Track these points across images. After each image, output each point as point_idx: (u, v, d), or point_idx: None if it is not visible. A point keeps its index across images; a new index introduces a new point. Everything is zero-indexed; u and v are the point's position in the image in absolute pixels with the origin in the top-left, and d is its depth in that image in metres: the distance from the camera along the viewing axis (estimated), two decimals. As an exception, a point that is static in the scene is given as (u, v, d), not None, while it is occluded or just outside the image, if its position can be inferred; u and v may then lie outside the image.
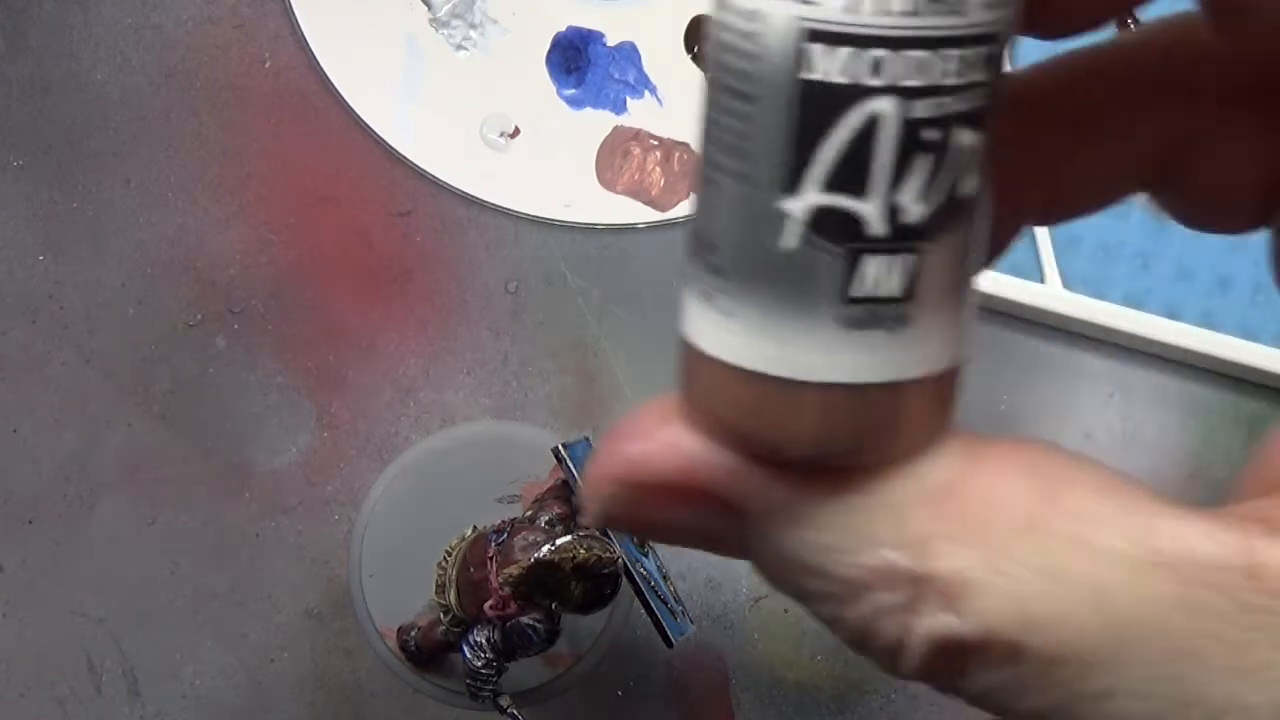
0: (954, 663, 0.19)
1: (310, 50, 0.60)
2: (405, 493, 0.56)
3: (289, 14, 0.60)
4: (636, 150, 0.59)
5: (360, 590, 0.55)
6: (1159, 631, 0.18)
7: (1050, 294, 0.56)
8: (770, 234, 0.20)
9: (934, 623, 0.19)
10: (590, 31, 0.61)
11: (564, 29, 0.60)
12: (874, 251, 0.19)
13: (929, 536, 0.19)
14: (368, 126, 0.59)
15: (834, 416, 0.20)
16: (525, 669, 0.53)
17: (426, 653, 0.54)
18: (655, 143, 0.60)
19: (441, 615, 0.53)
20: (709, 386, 0.21)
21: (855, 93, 0.19)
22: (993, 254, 0.25)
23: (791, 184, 0.19)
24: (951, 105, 0.19)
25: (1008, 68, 0.19)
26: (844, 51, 0.19)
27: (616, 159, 0.59)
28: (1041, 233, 0.56)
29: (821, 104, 0.19)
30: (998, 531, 0.19)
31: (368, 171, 0.59)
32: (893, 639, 0.19)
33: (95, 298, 0.57)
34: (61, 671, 0.55)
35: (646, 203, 0.59)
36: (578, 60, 0.60)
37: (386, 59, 0.60)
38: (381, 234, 0.59)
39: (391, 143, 0.59)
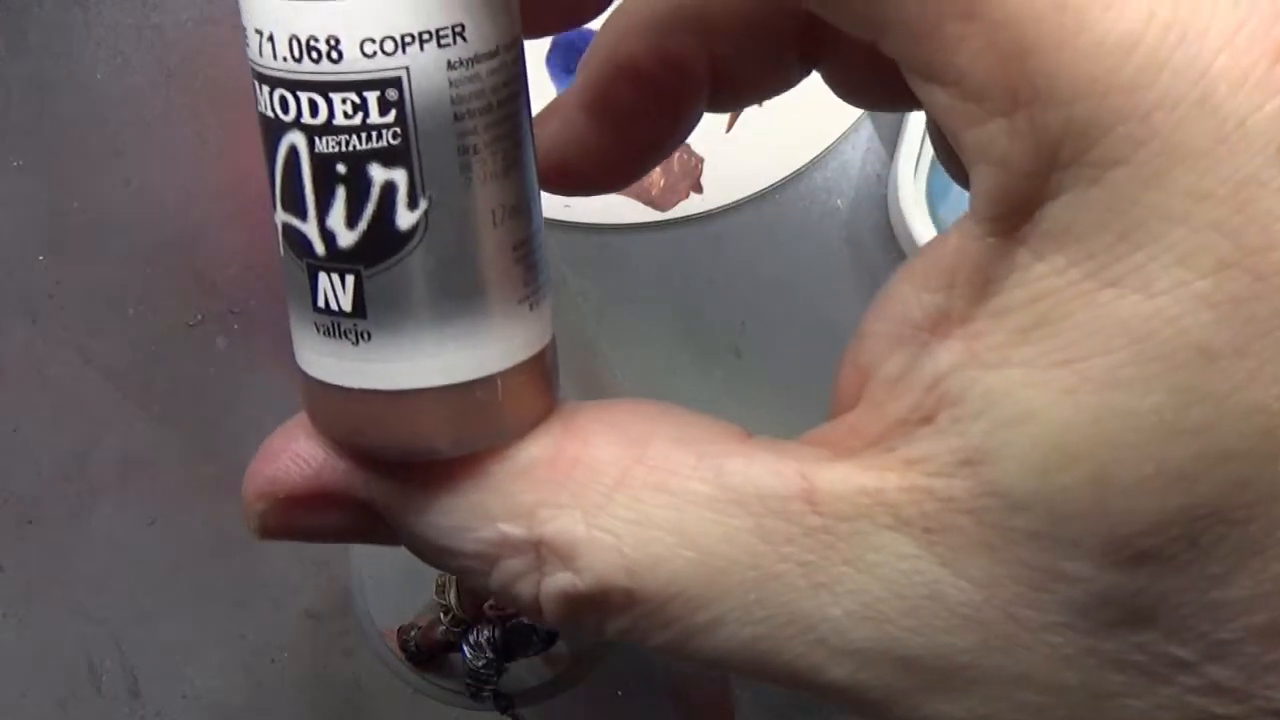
0: (585, 613, 0.21)
1: (310, 50, 0.60)
2: (405, 493, 0.56)
3: (289, 14, 0.60)
4: (636, 150, 0.60)
5: (360, 590, 0.55)
6: (746, 562, 0.20)
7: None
8: (279, 248, 0.22)
9: (557, 581, 0.21)
10: (590, 32, 0.61)
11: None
12: (323, 269, 0.21)
13: (535, 505, 0.21)
14: (368, 126, 0.59)
15: (389, 418, 0.21)
16: (525, 669, 0.54)
17: (426, 653, 0.54)
18: (655, 143, 0.60)
19: (441, 615, 0.53)
20: (307, 397, 0.23)
21: (280, 126, 0.21)
22: (672, 144, 0.27)
23: (273, 202, 0.21)
24: (355, 143, 0.20)
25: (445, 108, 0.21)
26: (266, 89, 0.21)
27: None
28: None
29: (269, 135, 0.21)
30: (592, 491, 0.21)
31: (368, 171, 0.59)
32: (531, 598, 0.21)
33: (95, 298, 0.57)
34: (61, 671, 0.55)
35: (646, 203, 0.59)
36: (578, 61, 0.60)
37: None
38: (381, 234, 0.58)
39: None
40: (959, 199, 0.57)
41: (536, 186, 0.22)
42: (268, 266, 0.58)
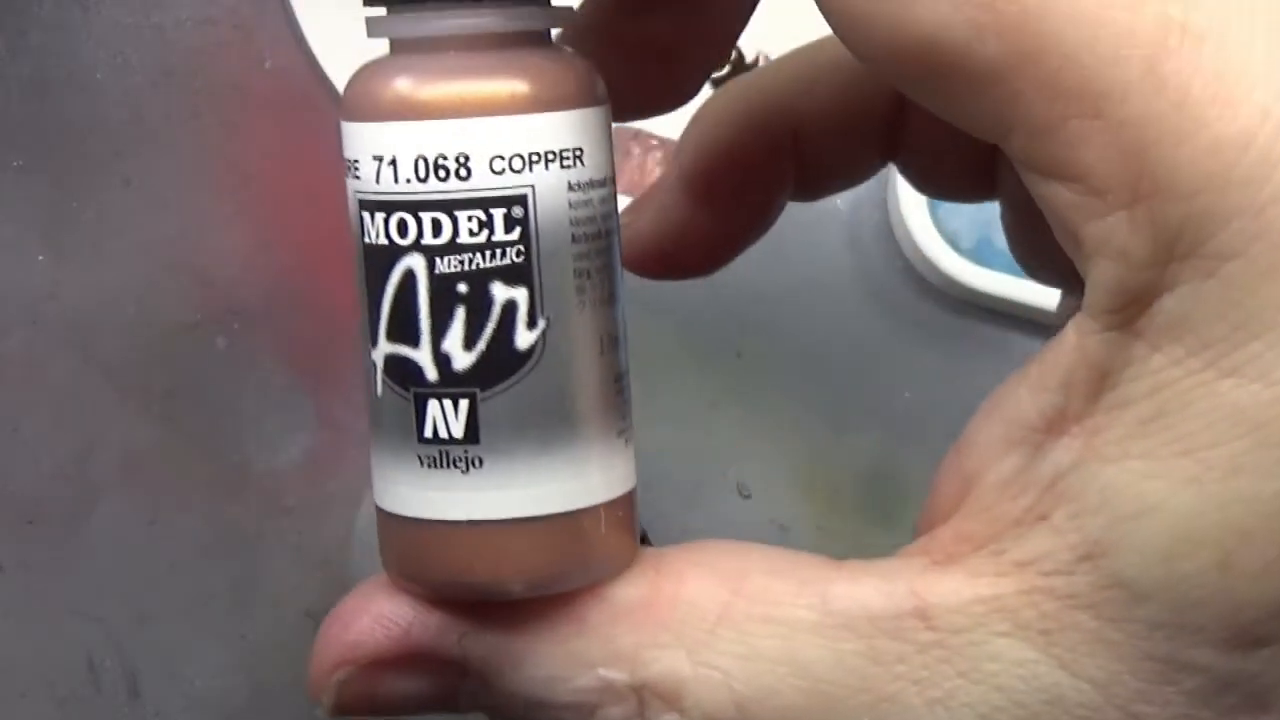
0: None
1: (310, 50, 0.60)
2: (405, 493, 0.56)
3: (289, 14, 0.60)
4: (636, 150, 0.59)
5: (360, 590, 0.55)
6: (858, 686, 0.20)
7: (1050, 294, 0.56)
8: (372, 387, 0.22)
9: None
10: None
11: (564, 29, 0.60)
12: (434, 396, 0.21)
13: (636, 647, 0.21)
14: (368, 126, 0.59)
15: (496, 549, 0.21)
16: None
17: (426, 653, 0.54)
18: (655, 142, 0.60)
19: (441, 615, 0.53)
20: (398, 544, 0.22)
21: (395, 252, 0.21)
22: (760, 231, 0.28)
23: (374, 337, 0.22)
24: (479, 261, 0.21)
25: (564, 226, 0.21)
26: (380, 216, 0.21)
27: (616, 158, 0.59)
28: (1041, 233, 0.56)
29: (378, 264, 0.21)
30: (695, 628, 0.21)
31: (368, 171, 0.59)
32: None
33: (95, 298, 0.57)
34: (61, 671, 0.55)
35: (647, 203, 0.59)
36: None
37: (386, 59, 0.60)
38: (381, 234, 0.58)
39: (391, 143, 0.59)
40: (959, 199, 0.57)
41: (625, 322, 0.23)
42: (268, 266, 0.58)
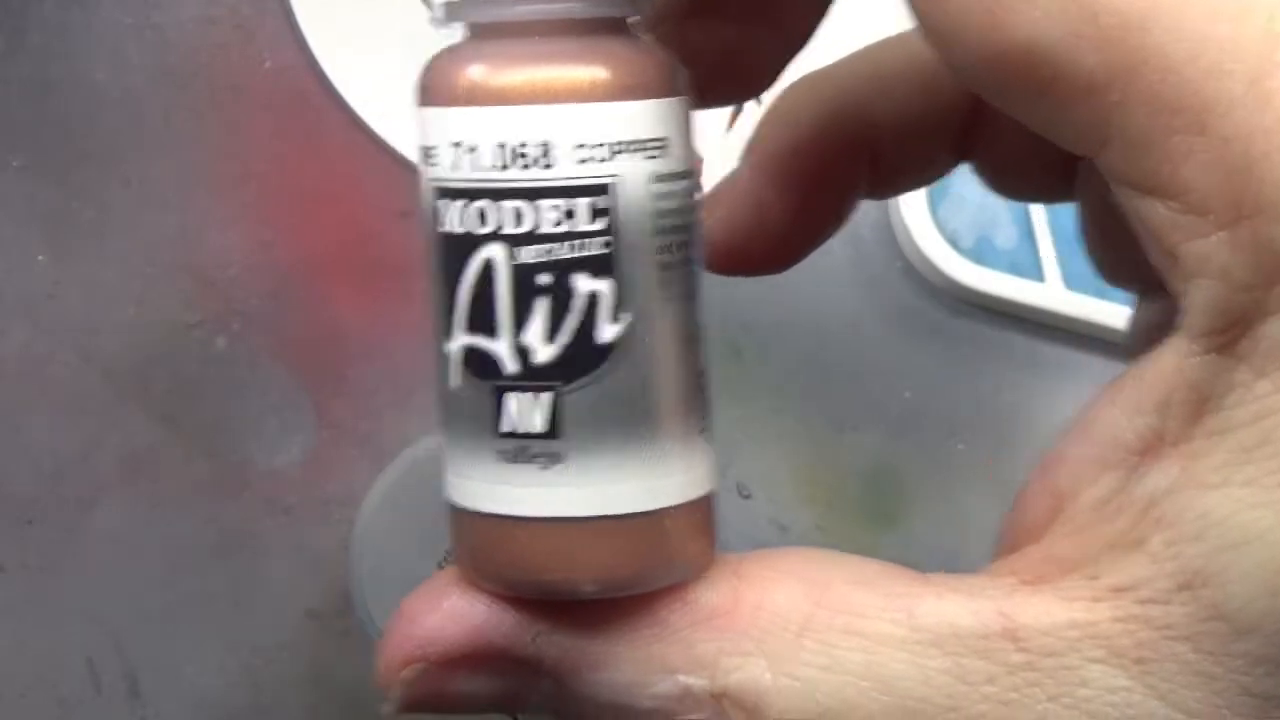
0: None
1: (310, 50, 0.60)
2: (405, 493, 0.56)
3: (289, 14, 0.60)
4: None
5: (360, 590, 0.55)
6: (943, 704, 0.20)
7: (1050, 294, 0.56)
8: (445, 378, 0.21)
9: None
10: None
11: (564, 29, 0.60)
12: (513, 389, 0.20)
13: (717, 654, 0.20)
14: (368, 126, 0.59)
15: (576, 547, 0.21)
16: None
17: (426, 653, 0.54)
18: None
19: (441, 615, 0.53)
20: (472, 540, 0.21)
21: (473, 241, 0.20)
22: (833, 228, 0.28)
23: (449, 328, 0.21)
24: (561, 252, 0.20)
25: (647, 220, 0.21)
26: (459, 204, 0.21)
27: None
28: (1042, 232, 0.56)
29: (455, 253, 0.21)
30: (778, 637, 0.20)
31: (368, 171, 0.59)
32: None
33: (95, 298, 0.57)
34: (61, 671, 0.55)
35: (646, 202, 0.59)
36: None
37: (386, 59, 0.60)
38: (381, 234, 0.59)
39: (391, 143, 0.59)
40: (958, 199, 0.57)
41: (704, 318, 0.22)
42: (268, 266, 0.58)
